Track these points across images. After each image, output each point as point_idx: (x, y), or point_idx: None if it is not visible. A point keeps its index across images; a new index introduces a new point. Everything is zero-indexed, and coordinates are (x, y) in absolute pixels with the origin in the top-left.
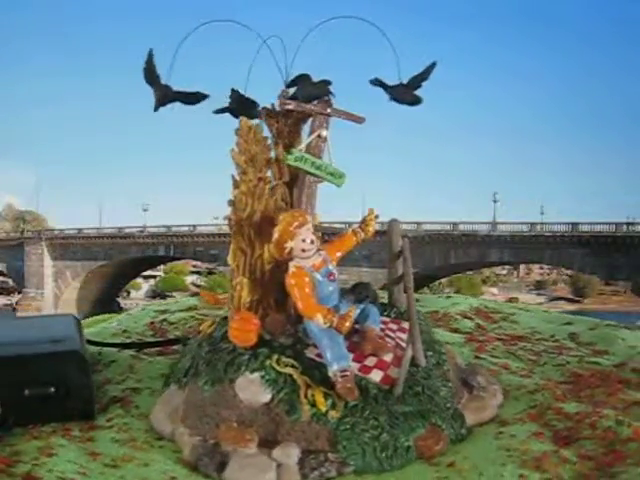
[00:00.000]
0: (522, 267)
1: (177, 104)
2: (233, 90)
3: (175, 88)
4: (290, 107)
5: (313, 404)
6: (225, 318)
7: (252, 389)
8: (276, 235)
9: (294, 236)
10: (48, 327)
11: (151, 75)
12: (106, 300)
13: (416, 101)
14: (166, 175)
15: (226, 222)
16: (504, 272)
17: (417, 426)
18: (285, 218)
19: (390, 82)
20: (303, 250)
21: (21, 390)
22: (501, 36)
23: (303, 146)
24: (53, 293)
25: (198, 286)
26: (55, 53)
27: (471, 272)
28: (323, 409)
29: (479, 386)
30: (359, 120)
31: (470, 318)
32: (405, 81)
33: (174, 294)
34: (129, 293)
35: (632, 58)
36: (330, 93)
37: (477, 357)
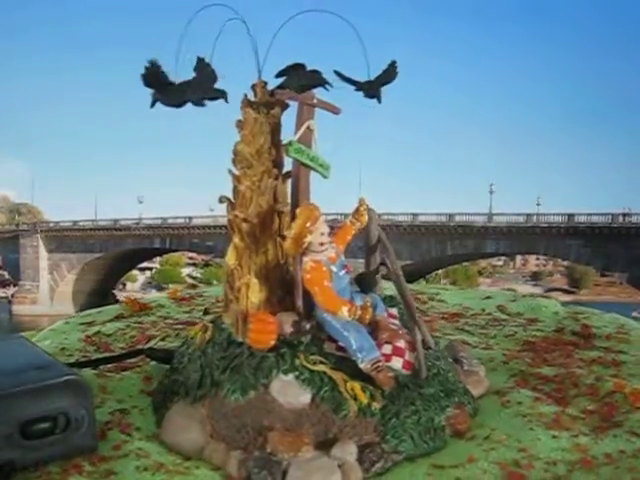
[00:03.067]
0: (518, 258)
1: None
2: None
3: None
4: (282, 97)
5: (355, 398)
6: (213, 322)
7: (290, 391)
8: (295, 230)
9: (313, 230)
10: (16, 353)
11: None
12: (102, 292)
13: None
14: (161, 167)
15: (227, 218)
16: (500, 263)
17: (446, 405)
18: (303, 212)
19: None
20: (321, 244)
21: (16, 428)
22: (497, 30)
23: (296, 137)
24: (49, 286)
25: (194, 278)
26: (53, 49)
27: (467, 263)
28: (366, 402)
29: (468, 361)
30: (336, 110)
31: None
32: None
33: (170, 286)
34: (125, 285)
35: (628, 50)
36: (327, 83)
37: (432, 336)
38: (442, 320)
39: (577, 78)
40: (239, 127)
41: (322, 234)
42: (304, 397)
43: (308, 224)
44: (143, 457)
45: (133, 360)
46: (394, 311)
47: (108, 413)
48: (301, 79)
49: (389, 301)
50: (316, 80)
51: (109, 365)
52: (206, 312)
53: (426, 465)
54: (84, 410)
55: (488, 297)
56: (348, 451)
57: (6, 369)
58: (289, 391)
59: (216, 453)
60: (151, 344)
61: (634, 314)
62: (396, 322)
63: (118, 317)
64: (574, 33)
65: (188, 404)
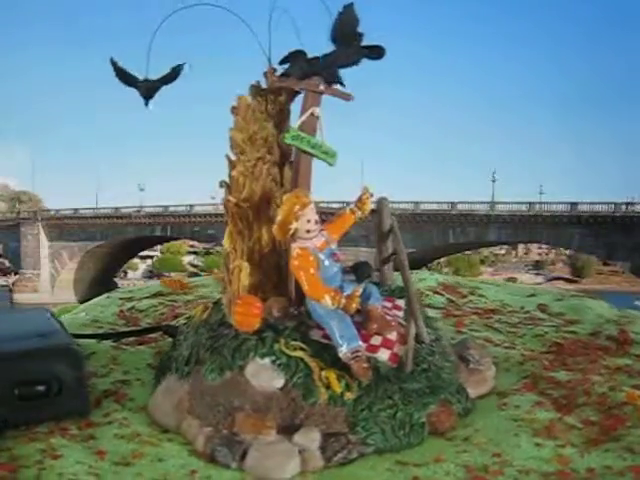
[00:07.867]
0: (521, 247)
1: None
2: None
3: (154, 77)
4: (283, 84)
5: (328, 386)
6: (216, 302)
7: (264, 375)
8: (281, 216)
9: (299, 217)
10: (29, 322)
11: (127, 78)
12: (103, 281)
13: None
14: (163, 155)
15: (222, 203)
16: (502, 252)
17: (429, 402)
18: (290, 199)
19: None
20: (308, 231)
21: (11, 389)
22: (497, 22)
23: (297, 124)
24: (50, 274)
25: (195, 266)
26: (55, 40)
27: (469, 252)
28: (338, 391)
29: (474, 360)
30: (347, 97)
31: (440, 294)
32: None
33: (172, 274)
34: (126, 273)
35: (627, 42)
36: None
37: (458, 332)
38: (474, 316)
39: (575, 68)
40: (233, 113)
41: (309, 221)
42: (277, 381)
43: (295, 209)
44: (125, 426)
45: (153, 335)
46: (400, 302)
47: (110, 383)
48: (302, 66)
49: (399, 292)
50: (316, 67)
51: (130, 339)
52: None
53: (391, 460)
54: (77, 377)
55: (533, 294)
56: (311, 438)
57: (12, 335)
58: (263, 374)
59: (190, 429)
60: (174, 322)
61: (636, 302)
62: (398, 313)
63: (156, 295)
64: (571, 24)
65: (176, 380)
